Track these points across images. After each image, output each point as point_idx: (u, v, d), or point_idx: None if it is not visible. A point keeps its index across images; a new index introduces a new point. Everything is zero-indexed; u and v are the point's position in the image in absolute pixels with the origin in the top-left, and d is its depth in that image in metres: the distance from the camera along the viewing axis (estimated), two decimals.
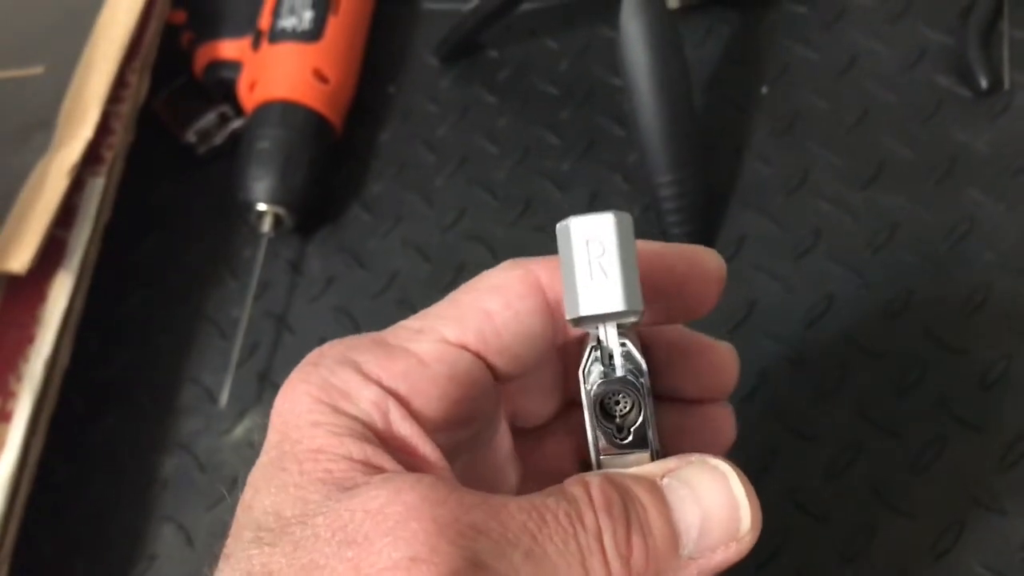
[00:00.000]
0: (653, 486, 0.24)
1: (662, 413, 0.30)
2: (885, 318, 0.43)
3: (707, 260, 0.29)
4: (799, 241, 0.46)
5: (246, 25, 0.54)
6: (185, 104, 0.55)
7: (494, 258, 0.48)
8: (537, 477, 0.29)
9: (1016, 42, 0.49)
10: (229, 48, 0.54)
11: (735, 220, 0.47)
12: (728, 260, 0.45)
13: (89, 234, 0.46)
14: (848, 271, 0.44)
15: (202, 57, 0.55)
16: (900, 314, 0.43)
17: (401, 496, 0.21)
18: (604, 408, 0.25)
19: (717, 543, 0.24)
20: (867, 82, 0.49)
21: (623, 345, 0.25)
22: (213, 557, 0.23)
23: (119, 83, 0.49)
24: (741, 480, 0.24)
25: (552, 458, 0.31)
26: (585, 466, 0.26)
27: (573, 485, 0.23)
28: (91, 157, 0.47)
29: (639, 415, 0.24)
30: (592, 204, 0.49)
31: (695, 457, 0.25)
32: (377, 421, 0.24)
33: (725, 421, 0.31)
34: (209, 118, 0.54)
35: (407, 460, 0.24)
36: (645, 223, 0.48)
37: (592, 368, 0.25)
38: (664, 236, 0.46)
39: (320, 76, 0.52)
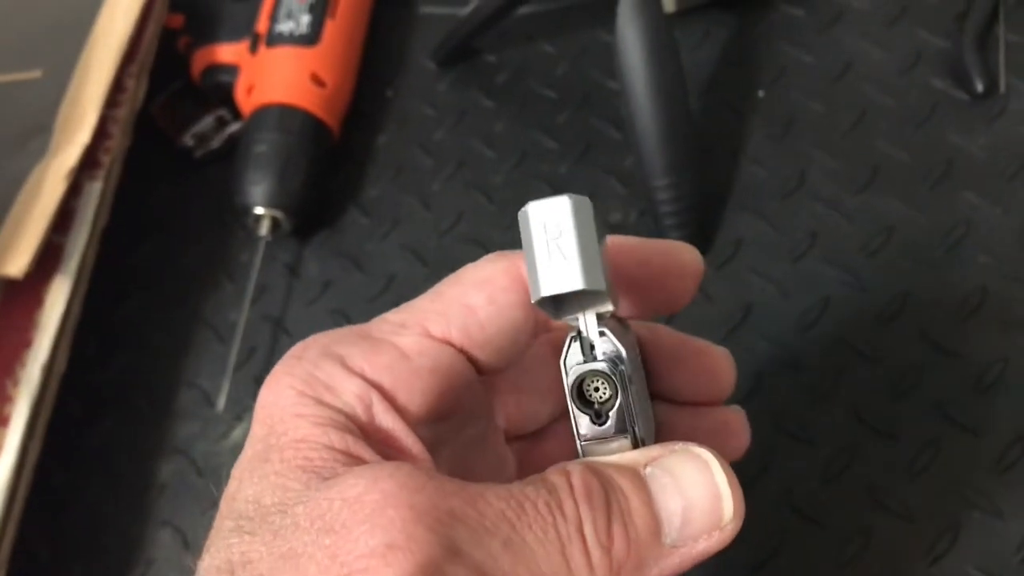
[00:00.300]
0: (635, 474, 0.24)
1: (673, 415, 0.30)
2: (881, 321, 0.43)
3: (684, 255, 0.29)
4: (795, 244, 0.46)
5: (243, 29, 0.54)
6: (182, 108, 0.55)
7: None
8: None
9: (1012, 46, 0.49)
10: (226, 52, 0.54)
11: (731, 223, 0.47)
12: (724, 263, 0.46)
13: (86, 238, 0.46)
14: (844, 274, 0.45)
15: (199, 61, 0.55)
16: (896, 317, 0.43)
17: (379, 484, 0.21)
18: (583, 394, 0.25)
19: (700, 532, 0.24)
20: (863, 85, 0.50)
21: (602, 334, 0.25)
22: (200, 550, 0.23)
23: (116, 87, 0.49)
24: (724, 469, 0.24)
25: (552, 461, 0.31)
26: None
27: (554, 474, 0.23)
28: (88, 161, 0.47)
29: (616, 401, 0.24)
30: None
31: (679, 446, 0.25)
32: (360, 413, 0.24)
33: (738, 424, 0.31)
34: (206, 122, 0.54)
35: (389, 452, 0.24)
36: (642, 226, 0.48)
37: (572, 357, 0.25)
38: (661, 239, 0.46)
39: (317, 80, 0.52)
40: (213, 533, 0.23)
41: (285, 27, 0.53)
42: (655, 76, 0.44)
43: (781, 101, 0.50)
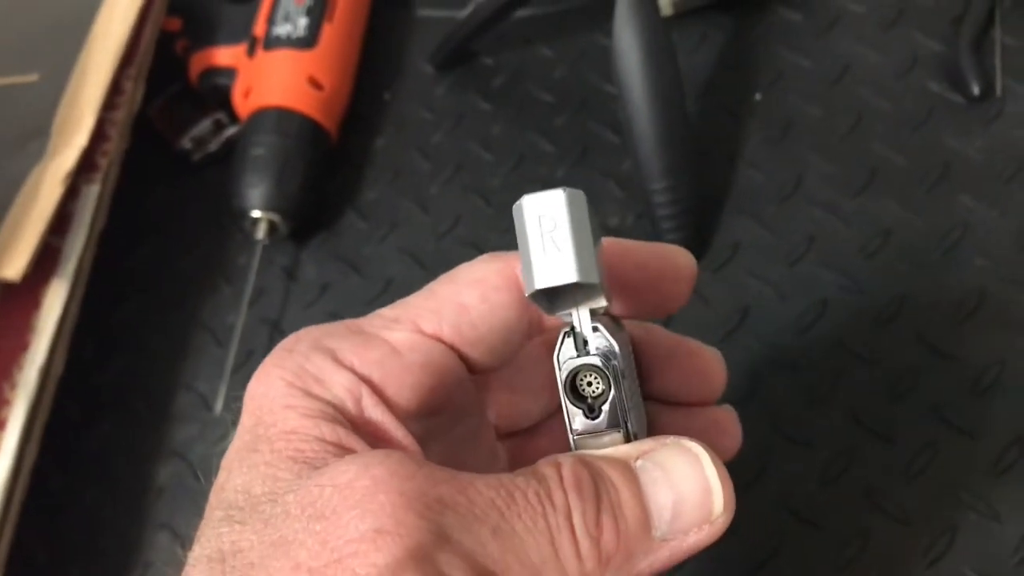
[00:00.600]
0: (626, 467, 0.24)
1: (665, 416, 0.30)
2: (878, 324, 0.43)
3: (678, 258, 0.29)
4: (792, 247, 0.46)
5: (241, 32, 0.54)
6: (180, 111, 0.55)
7: None
8: None
9: (1008, 49, 0.49)
10: (224, 55, 0.54)
11: (729, 227, 0.47)
12: (722, 266, 0.46)
13: (84, 241, 0.46)
14: (841, 277, 0.45)
15: (197, 64, 0.55)
16: (893, 320, 0.43)
17: (369, 470, 0.21)
18: (575, 388, 0.25)
19: (690, 525, 0.24)
20: (860, 89, 0.50)
21: (595, 329, 0.25)
22: (190, 540, 0.23)
23: (114, 90, 0.49)
24: (715, 463, 0.24)
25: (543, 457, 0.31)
26: None
27: (544, 465, 0.23)
28: (86, 164, 0.47)
29: (609, 395, 0.25)
30: None
31: (670, 439, 0.25)
32: (350, 406, 0.24)
33: (729, 423, 0.31)
34: (204, 125, 0.54)
35: (379, 445, 0.24)
36: (639, 229, 0.48)
37: (565, 352, 0.25)
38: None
39: (315, 83, 0.52)
40: (203, 523, 0.23)
41: (283, 30, 0.53)
42: (652, 79, 0.44)
43: (778, 104, 0.50)
